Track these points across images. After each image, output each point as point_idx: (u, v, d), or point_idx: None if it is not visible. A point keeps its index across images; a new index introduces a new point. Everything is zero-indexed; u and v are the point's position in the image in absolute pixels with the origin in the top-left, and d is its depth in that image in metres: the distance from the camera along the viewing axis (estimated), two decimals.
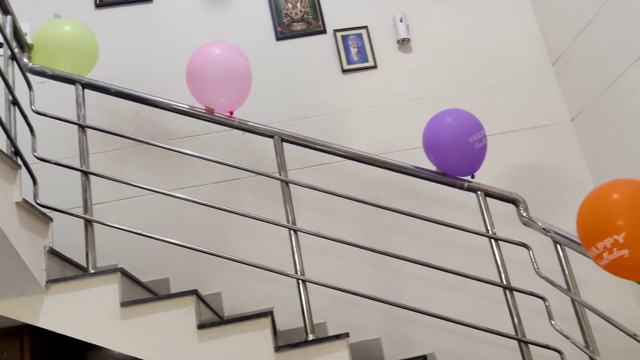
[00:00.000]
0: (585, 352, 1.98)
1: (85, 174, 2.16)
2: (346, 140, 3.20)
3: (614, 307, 3.03)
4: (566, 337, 2.03)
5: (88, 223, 2.09)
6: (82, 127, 2.22)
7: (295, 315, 2.61)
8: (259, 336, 1.94)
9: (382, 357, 2.85)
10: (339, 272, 3.00)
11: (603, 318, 1.88)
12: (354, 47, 3.37)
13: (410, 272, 3.00)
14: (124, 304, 1.91)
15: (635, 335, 1.68)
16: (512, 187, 3.21)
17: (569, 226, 2.94)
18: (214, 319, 2.35)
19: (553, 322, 2.11)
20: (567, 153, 3.30)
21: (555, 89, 3.42)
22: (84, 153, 2.19)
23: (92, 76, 2.43)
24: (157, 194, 2.48)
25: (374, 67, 3.36)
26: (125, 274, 2.02)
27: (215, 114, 2.30)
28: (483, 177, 3.12)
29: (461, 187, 2.30)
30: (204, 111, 2.30)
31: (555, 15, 3.35)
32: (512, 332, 2.16)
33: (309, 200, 3.12)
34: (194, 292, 1.97)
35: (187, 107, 2.32)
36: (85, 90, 2.31)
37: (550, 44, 3.44)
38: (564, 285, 2.13)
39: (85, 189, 2.14)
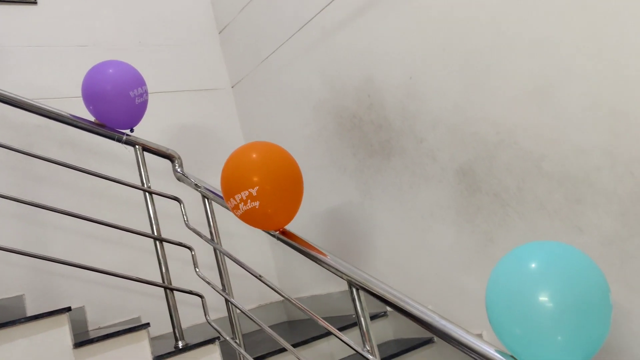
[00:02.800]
0: (222, 294, 2.22)
1: None
2: None
3: (255, 256, 3.44)
4: (207, 282, 2.24)
5: None
6: None
7: None
8: None
9: (25, 313, 2.70)
10: None
11: (236, 262, 2.13)
12: None
13: (62, 224, 2.89)
14: None
15: (260, 276, 1.96)
16: (174, 144, 3.34)
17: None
18: None
19: (197, 270, 2.30)
20: (225, 117, 3.58)
21: (219, 57, 3.65)
22: None
23: None
24: None
25: (34, 2, 3.08)
26: None
27: None
28: (146, 133, 3.17)
29: (119, 140, 2.31)
30: None
31: None
32: (160, 281, 2.30)
33: None
34: None
35: None
36: None
37: (218, 13, 3.66)
38: (209, 236, 2.34)
39: None
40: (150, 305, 2.99)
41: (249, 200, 1.71)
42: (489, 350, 1.23)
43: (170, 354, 2.14)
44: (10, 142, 2.65)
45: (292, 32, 3.06)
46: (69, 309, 2.02)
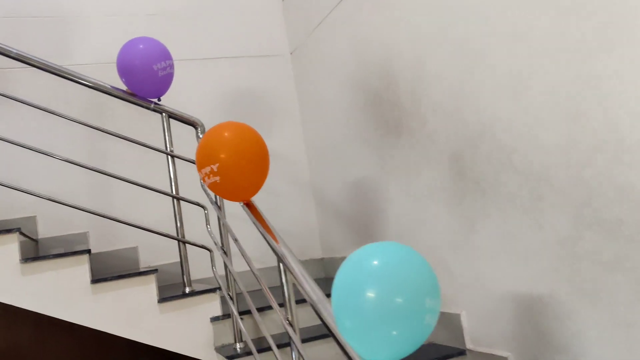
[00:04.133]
0: (219, 250, 2.48)
1: None
2: (73, 46, 3.33)
3: (300, 214, 3.69)
4: (211, 237, 2.52)
5: None
6: None
7: None
8: None
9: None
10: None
11: (230, 228, 2.38)
12: None
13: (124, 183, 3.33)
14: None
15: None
16: (231, 108, 3.65)
17: (276, 145, 3.52)
18: None
19: (208, 227, 2.59)
20: (283, 83, 3.79)
21: (281, 23, 3.84)
22: None
23: None
24: None
25: None
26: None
27: None
28: (203, 97, 3.51)
29: (148, 108, 2.62)
30: None
31: None
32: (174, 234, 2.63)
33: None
34: None
35: None
36: None
37: None
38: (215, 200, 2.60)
39: None
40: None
41: (211, 175, 1.93)
42: None
43: (176, 297, 2.48)
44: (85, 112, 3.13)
45: (334, 4, 3.16)
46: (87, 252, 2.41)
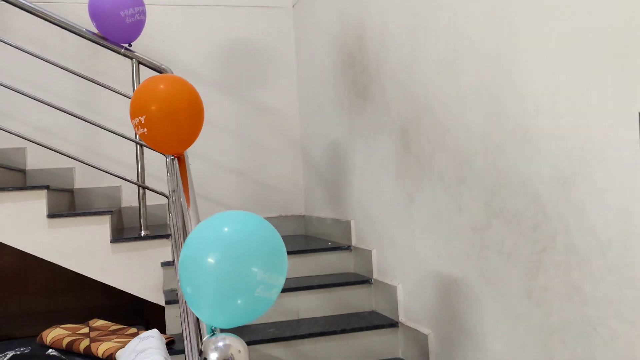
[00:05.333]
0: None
1: None
2: None
3: (286, 169, 3.71)
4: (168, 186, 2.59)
5: None
6: None
7: None
8: None
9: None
10: None
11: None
12: None
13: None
14: None
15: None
16: (228, 57, 3.65)
17: (269, 99, 3.53)
18: None
19: (168, 176, 2.64)
20: (283, 35, 3.75)
21: None
22: None
23: None
24: None
25: None
26: None
27: None
28: (199, 44, 3.53)
29: (118, 52, 2.67)
30: None
31: None
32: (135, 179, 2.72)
33: None
34: None
35: None
36: None
37: None
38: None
39: None
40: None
41: (139, 127, 1.96)
42: None
43: (129, 239, 2.58)
44: None
45: None
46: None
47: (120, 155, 3.43)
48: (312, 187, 3.53)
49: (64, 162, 3.36)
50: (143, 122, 1.95)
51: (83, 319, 3.20)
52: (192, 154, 3.55)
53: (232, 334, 1.08)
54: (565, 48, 1.40)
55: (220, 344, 1.03)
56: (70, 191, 3.30)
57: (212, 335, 1.27)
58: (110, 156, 3.44)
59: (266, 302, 1.29)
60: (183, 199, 1.86)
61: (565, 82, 1.40)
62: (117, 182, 3.44)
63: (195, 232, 1.32)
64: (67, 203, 3.24)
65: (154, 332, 1.76)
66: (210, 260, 1.26)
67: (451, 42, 1.90)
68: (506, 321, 1.69)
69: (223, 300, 1.25)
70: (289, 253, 2.74)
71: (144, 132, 1.99)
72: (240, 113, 3.68)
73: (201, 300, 1.28)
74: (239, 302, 1.26)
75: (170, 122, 1.95)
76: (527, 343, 1.60)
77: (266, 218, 3.65)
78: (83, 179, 3.41)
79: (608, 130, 1.28)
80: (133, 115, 2.00)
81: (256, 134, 3.69)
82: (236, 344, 1.03)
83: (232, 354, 1.01)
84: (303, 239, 3.37)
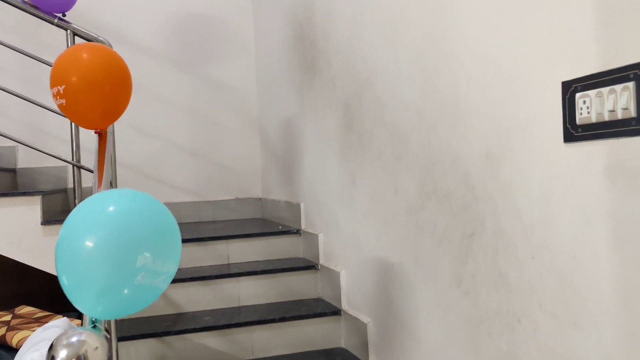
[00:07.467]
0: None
1: None
2: None
3: (243, 149, 3.57)
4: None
5: None
6: None
7: None
8: None
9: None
10: None
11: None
12: None
13: None
14: None
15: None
16: (183, 30, 3.48)
17: (226, 76, 3.37)
18: None
19: None
20: (240, 8, 3.59)
21: None
22: None
23: None
24: None
25: None
26: None
27: None
28: (151, 16, 3.36)
29: (52, 23, 2.50)
30: None
31: None
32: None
33: None
34: None
35: None
36: None
37: None
38: None
39: None
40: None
41: (58, 97, 1.81)
42: None
43: (61, 221, 2.43)
44: None
45: None
46: None
47: (65, 133, 3.25)
48: (269, 168, 3.39)
49: (5, 141, 3.19)
50: (62, 92, 1.81)
51: (19, 305, 3.05)
52: (143, 132, 3.40)
53: (92, 329, 0.95)
54: (497, 12, 1.27)
55: (74, 339, 0.90)
56: (13, 170, 3.14)
57: (94, 327, 1.14)
58: (56, 134, 3.28)
59: (151, 290, 1.16)
60: (95, 180, 1.72)
61: (494, 50, 1.27)
62: (63, 162, 3.27)
63: (74, 213, 1.18)
64: (8, 183, 3.08)
65: (62, 321, 1.63)
66: (88, 243, 1.13)
67: (390, 10, 1.76)
68: (438, 310, 1.57)
69: (101, 288, 1.12)
70: (237, 237, 2.61)
71: (62, 103, 1.84)
72: (196, 90, 3.52)
73: (79, 289, 1.15)
74: (119, 291, 1.13)
75: (92, 93, 1.80)
76: (457, 335, 1.49)
77: (222, 201, 3.52)
78: (27, 158, 3.25)
79: (533, 103, 1.16)
80: (52, 84, 1.85)
81: (212, 112, 3.53)
82: (93, 340, 0.90)
83: (85, 351, 0.88)
84: (259, 222, 3.24)
